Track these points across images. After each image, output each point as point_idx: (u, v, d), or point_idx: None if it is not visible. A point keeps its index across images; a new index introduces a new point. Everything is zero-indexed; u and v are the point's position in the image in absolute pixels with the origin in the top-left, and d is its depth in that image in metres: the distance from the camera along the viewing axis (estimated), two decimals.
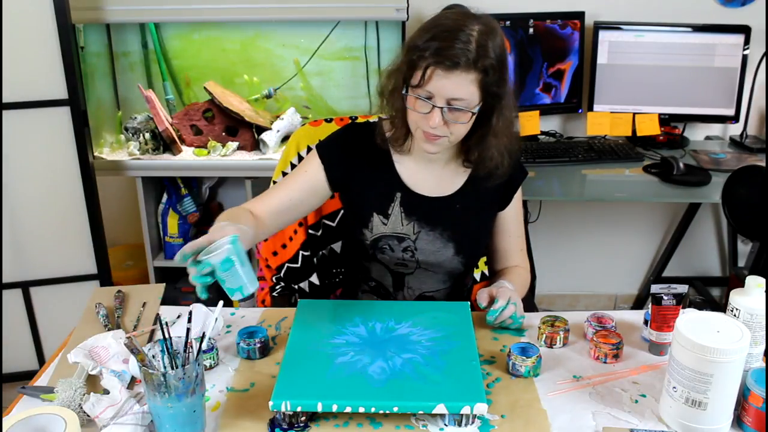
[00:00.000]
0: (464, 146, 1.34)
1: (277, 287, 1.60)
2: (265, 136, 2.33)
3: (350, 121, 1.59)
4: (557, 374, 1.16)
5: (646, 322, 1.24)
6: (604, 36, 2.42)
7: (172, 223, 2.45)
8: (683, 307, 1.20)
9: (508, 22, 2.31)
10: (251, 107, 2.46)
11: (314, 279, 1.62)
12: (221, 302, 1.11)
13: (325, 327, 1.20)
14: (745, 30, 2.39)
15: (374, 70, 2.47)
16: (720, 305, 2.53)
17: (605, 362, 1.19)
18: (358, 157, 1.36)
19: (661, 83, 2.45)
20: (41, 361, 2.31)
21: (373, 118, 1.55)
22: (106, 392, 1.04)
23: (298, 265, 1.59)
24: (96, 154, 2.31)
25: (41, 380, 1.15)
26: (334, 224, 1.62)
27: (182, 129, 2.39)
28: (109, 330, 1.24)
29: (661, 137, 2.46)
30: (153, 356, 0.98)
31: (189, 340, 0.99)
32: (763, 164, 2.16)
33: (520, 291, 1.39)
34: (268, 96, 2.49)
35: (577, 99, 2.50)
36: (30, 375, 1.80)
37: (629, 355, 1.22)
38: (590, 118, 2.45)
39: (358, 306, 1.28)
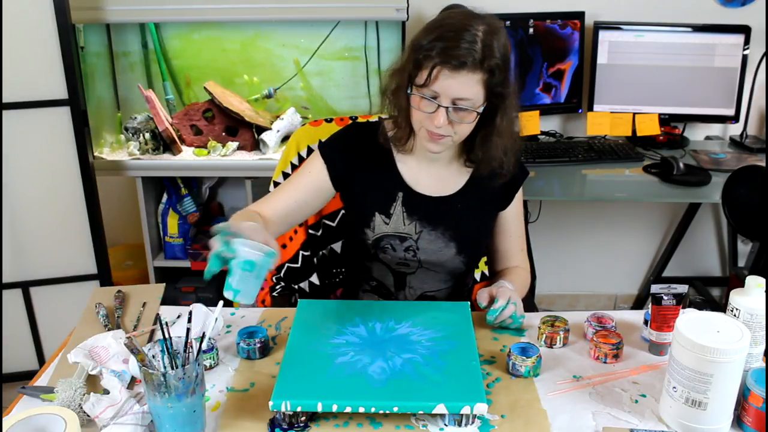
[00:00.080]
0: (466, 146, 1.34)
1: (277, 287, 1.60)
2: (265, 136, 2.33)
3: (350, 121, 1.59)
4: (557, 374, 1.16)
5: (646, 322, 1.24)
6: (604, 36, 2.42)
7: (172, 223, 2.45)
8: (683, 307, 1.20)
9: (508, 22, 2.31)
10: (251, 107, 2.46)
11: (314, 279, 1.62)
12: (221, 302, 1.11)
13: (325, 327, 1.20)
14: (745, 30, 2.39)
15: (374, 70, 2.47)
16: (720, 305, 2.53)
17: (605, 362, 1.19)
18: (360, 156, 1.36)
19: (661, 83, 2.45)
20: (41, 361, 2.31)
21: (373, 118, 1.55)
22: (106, 392, 1.04)
23: (298, 265, 1.59)
24: (96, 154, 2.31)
25: (41, 380, 1.15)
26: (334, 224, 1.62)
27: (182, 129, 2.39)
28: (109, 330, 1.24)
29: (661, 137, 2.46)
30: (153, 356, 0.98)
31: (189, 340, 0.99)
32: (763, 164, 2.16)
33: (520, 291, 1.39)
34: (268, 96, 2.49)
35: (577, 99, 2.50)
36: (30, 375, 1.80)
37: (629, 355, 1.22)
38: (590, 118, 2.45)
39: (358, 306, 1.28)
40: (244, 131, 2.37)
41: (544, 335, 1.25)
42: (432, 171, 1.37)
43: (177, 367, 0.98)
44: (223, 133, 2.39)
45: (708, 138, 2.63)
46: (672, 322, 1.18)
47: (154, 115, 2.31)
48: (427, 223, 1.36)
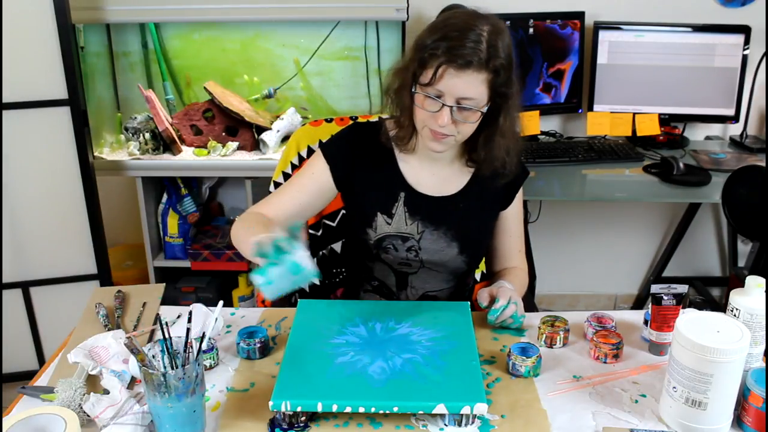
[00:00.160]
0: (468, 146, 1.34)
1: None
2: (265, 136, 2.33)
3: (350, 121, 1.59)
4: (557, 374, 1.16)
5: (646, 322, 1.24)
6: (604, 36, 2.42)
7: (172, 223, 2.45)
8: (683, 307, 1.20)
9: (508, 22, 2.31)
10: (251, 107, 2.46)
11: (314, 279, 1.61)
12: (221, 302, 1.11)
13: (325, 327, 1.20)
14: (745, 30, 2.39)
15: (374, 70, 2.47)
16: (720, 305, 2.53)
17: (605, 362, 1.19)
18: (362, 156, 1.37)
19: (661, 83, 2.45)
20: (41, 361, 2.31)
21: (374, 118, 1.55)
22: (106, 392, 1.04)
23: None
24: (96, 154, 2.31)
25: (41, 380, 1.15)
26: (334, 224, 1.62)
27: (182, 129, 2.39)
28: (109, 330, 1.24)
29: (661, 137, 2.46)
30: (153, 356, 0.98)
31: (189, 340, 0.99)
32: (763, 164, 2.16)
33: (519, 292, 1.39)
34: (268, 96, 2.49)
35: (577, 99, 2.50)
36: (30, 375, 1.79)
37: (629, 355, 1.22)
38: (590, 118, 2.45)
39: (358, 306, 1.28)
40: (244, 131, 2.37)
41: (544, 335, 1.25)
42: (434, 171, 1.37)
43: (177, 367, 0.98)
44: (223, 133, 2.39)
45: (708, 138, 2.63)
46: (672, 322, 1.18)
47: (154, 115, 2.31)
48: (429, 222, 1.36)
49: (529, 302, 1.63)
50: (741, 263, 2.69)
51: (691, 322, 1.00)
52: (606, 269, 2.90)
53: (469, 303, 1.28)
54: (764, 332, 1.06)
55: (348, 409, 1.00)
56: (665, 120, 2.47)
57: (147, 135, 2.32)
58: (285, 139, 2.36)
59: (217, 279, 2.51)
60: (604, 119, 2.44)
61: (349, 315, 1.23)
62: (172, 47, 2.48)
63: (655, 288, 1.22)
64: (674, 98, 2.47)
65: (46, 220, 2.16)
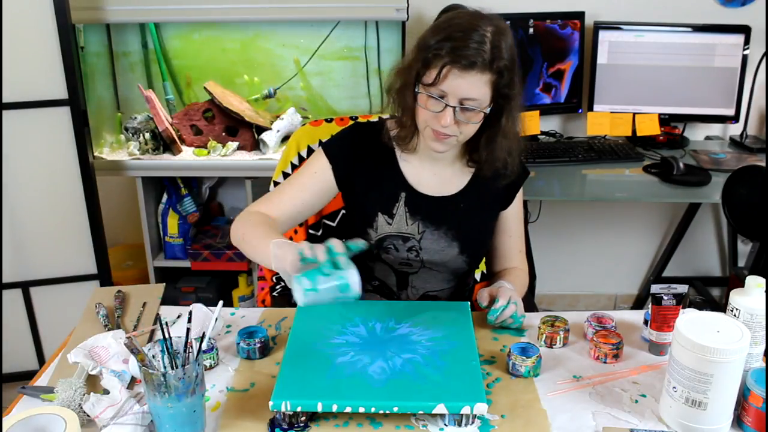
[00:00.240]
0: (469, 146, 1.34)
1: (277, 287, 1.60)
2: (265, 136, 2.33)
3: (350, 121, 1.59)
4: (557, 374, 1.16)
5: (646, 322, 1.24)
6: (604, 36, 2.42)
7: (172, 223, 2.45)
8: (683, 307, 1.20)
9: (508, 22, 2.29)
10: (251, 107, 2.46)
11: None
12: (221, 302, 1.11)
13: (325, 327, 1.20)
14: (745, 30, 2.39)
15: (374, 70, 2.47)
16: (720, 305, 2.53)
17: (605, 362, 1.19)
18: (364, 156, 1.37)
19: (661, 83, 2.45)
20: (41, 361, 2.31)
21: (374, 118, 1.55)
22: (106, 392, 1.04)
23: None
24: (96, 154, 2.31)
25: (41, 380, 1.15)
26: (334, 224, 1.62)
27: (182, 129, 2.39)
28: (109, 330, 1.24)
29: (661, 137, 2.46)
30: (153, 356, 0.98)
31: (189, 340, 0.99)
32: (763, 164, 2.16)
33: (519, 292, 1.39)
34: (268, 96, 2.49)
35: (577, 99, 2.50)
36: (30, 375, 1.80)
37: (629, 355, 1.22)
38: (590, 118, 2.45)
39: (358, 306, 1.28)
40: (244, 131, 2.37)
41: (544, 335, 1.25)
42: (435, 171, 1.37)
43: (177, 367, 0.98)
44: (223, 133, 2.39)
45: (708, 138, 2.63)
46: (672, 322, 1.18)
47: (154, 115, 2.31)
48: (430, 223, 1.37)
49: (529, 302, 1.63)
50: (741, 263, 2.69)
51: (691, 322, 1.00)
52: (606, 269, 2.90)
53: (469, 303, 1.28)
54: (764, 332, 1.06)
55: (348, 409, 1.00)
56: (665, 120, 2.47)
57: (147, 135, 2.32)
58: (285, 139, 2.36)
59: (217, 279, 2.51)
60: (604, 119, 2.44)
61: (349, 315, 1.23)
62: (172, 47, 2.48)
63: (655, 288, 1.22)
64: (674, 98, 2.47)
65: (46, 220, 2.16)
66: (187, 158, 2.33)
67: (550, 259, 2.81)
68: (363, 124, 1.42)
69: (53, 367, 1.17)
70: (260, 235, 1.18)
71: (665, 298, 1.20)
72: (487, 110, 1.23)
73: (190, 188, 2.49)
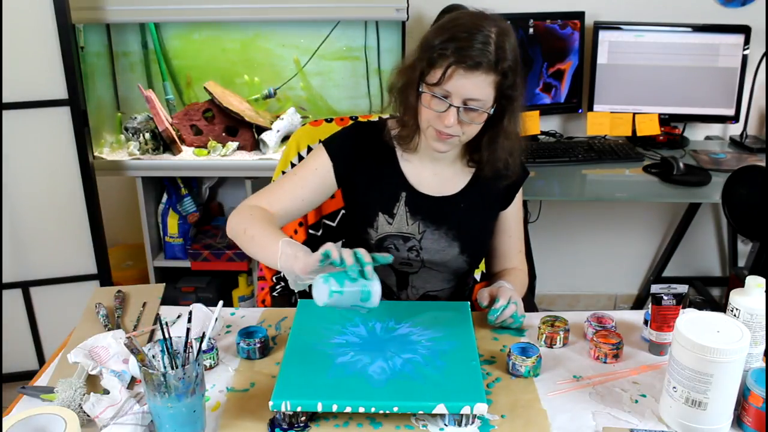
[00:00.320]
0: (470, 146, 1.34)
1: (277, 287, 1.60)
2: (265, 136, 2.33)
3: (350, 121, 1.59)
4: (557, 374, 1.16)
5: (646, 322, 1.24)
6: (604, 36, 2.42)
7: (172, 223, 2.45)
8: (683, 307, 1.20)
9: (508, 22, 2.31)
10: (251, 107, 2.46)
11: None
12: (221, 302, 1.11)
13: (325, 327, 1.20)
14: (745, 30, 2.39)
15: (374, 70, 2.47)
16: (720, 305, 2.53)
17: (605, 362, 1.19)
18: (365, 155, 1.36)
19: (661, 83, 2.45)
20: (41, 361, 2.31)
21: (374, 118, 1.55)
22: (106, 392, 1.04)
23: None
24: (96, 154, 2.31)
25: (41, 380, 1.15)
26: (334, 224, 1.62)
27: (182, 129, 2.39)
28: (109, 330, 1.24)
29: (661, 137, 2.46)
30: (153, 356, 0.98)
31: (189, 340, 0.99)
32: (763, 164, 2.16)
33: (518, 292, 1.39)
34: (269, 96, 2.49)
35: (577, 99, 2.50)
36: (30, 375, 1.79)
37: (629, 355, 1.22)
38: (590, 118, 2.45)
39: None
40: (244, 131, 2.37)
41: (544, 335, 1.25)
42: (435, 170, 1.37)
43: (177, 367, 0.98)
44: (223, 133, 2.39)
45: (708, 138, 2.63)
46: (672, 322, 1.18)
47: (154, 115, 2.31)
48: (430, 222, 1.37)
49: (529, 302, 1.63)
50: (741, 263, 2.69)
51: (691, 322, 1.00)
52: (606, 269, 2.90)
53: (469, 303, 1.28)
54: (764, 332, 1.06)
55: (348, 409, 1.00)
56: (665, 120, 2.47)
57: (147, 135, 2.32)
58: (285, 139, 2.36)
59: (217, 279, 2.51)
60: (604, 119, 2.44)
61: (349, 315, 1.23)
62: (172, 47, 2.48)
63: (655, 288, 1.22)
64: (674, 98, 2.47)
65: (46, 220, 2.16)
66: (187, 158, 2.33)
67: (550, 259, 2.81)
68: (364, 123, 1.42)
69: (53, 367, 1.17)
70: (266, 233, 1.18)
71: (665, 298, 1.20)
72: (491, 111, 1.23)
73: (190, 188, 2.49)
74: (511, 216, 1.46)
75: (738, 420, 1.03)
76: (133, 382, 1.12)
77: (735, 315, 1.07)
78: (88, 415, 1.00)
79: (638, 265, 2.91)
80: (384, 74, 2.45)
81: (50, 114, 2.06)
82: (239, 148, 2.37)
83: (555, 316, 1.29)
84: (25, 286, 2.21)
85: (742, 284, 1.09)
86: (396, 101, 1.31)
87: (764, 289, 1.06)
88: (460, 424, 1.02)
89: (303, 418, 1.02)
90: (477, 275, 1.59)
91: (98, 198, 2.18)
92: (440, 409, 1.00)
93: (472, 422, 1.02)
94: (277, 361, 1.17)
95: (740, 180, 1.92)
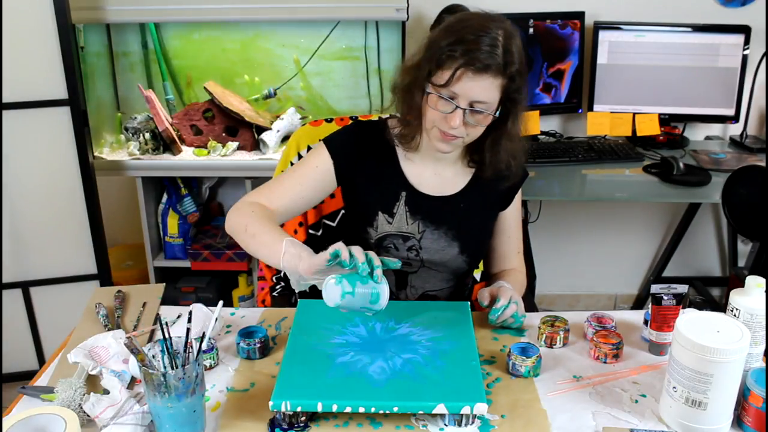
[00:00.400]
0: (471, 147, 1.34)
1: (277, 287, 1.60)
2: (265, 136, 2.33)
3: (350, 121, 1.59)
4: (557, 374, 1.16)
5: (646, 322, 1.24)
6: (604, 36, 2.42)
7: (172, 223, 2.45)
8: (683, 307, 1.20)
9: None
10: (251, 107, 2.46)
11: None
12: (221, 302, 1.11)
13: (325, 327, 1.20)
14: (745, 30, 2.39)
15: (374, 70, 2.47)
16: (720, 305, 2.53)
17: (605, 362, 1.19)
18: (366, 154, 1.36)
19: (661, 83, 2.45)
20: (41, 361, 2.31)
21: (374, 118, 1.55)
22: (106, 392, 1.04)
23: None
24: (96, 154, 2.31)
25: (41, 380, 1.15)
26: (334, 224, 1.62)
27: (182, 129, 2.39)
28: (109, 330, 1.24)
29: (661, 137, 2.46)
30: (153, 356, 0.98)
31: (189, 340, 0.99)
32: (763, 164, 2.16)
33: (517, 293, 1.39)
34: (269, 96, 2.49)
35: (577, 99, 2.50)
36: (30, 375, 1.79)
37: (629, 355, 1.22)
38: (590, 118, 2.45)
39: None
40: (244, 131, 2.37)
41: (544, 335, 1.25)
42: (436, 170, 1.37)
43: (177, 367, 0.98)
44: (223, 133, 2.39)
45: (708, 138, 2.63)
46: (672, 322, 1.18)
47: (154, 115, 2.31)
48: (430, 222, 1.37)
49: (529, 302, 1.63)
50: (741, 263, 2.69)
51: (691, 322, 1.00)
52: (606, 269, 2.90)
53: (469, 303, 1.28)
54: (764, 332, 1.06)
55: (348, 409, 1.00)
56: (665, 120, 2.47)
57: (147, 135, 2.32)
58: (285, 139, 2.37)
59: (217, 279, 2.51)
60: (604, 119, 2.44)
61: (349, 315, 1.23)
62: (172, 47, 2.48)
63: (655, 288, 1.22)
64: (674, 98, 2.47)
65: (46, 220, 2.16)
66: (187, 158, 2.33)
67: (550, 259, 2.81)
68: (365, 122, 1.42)
69: (53, 367, 1.17)
70: (268, 231, 1.18)
71: (665, 298, 1.20)
72: (497, 114, 1.23)
73: (190, 188, 2.49)
74: (511, 217, 1.46)
75: (738, 420, 1.03)
76: (133, 382, 1.12)
77: (735, 315, 1.07)
78: (88, 415, 1.00)
79: (638, 265, 2.91)
80: (384, 74, 2.45)
81: (50, 114, 2.06)
82: (239, 148, 2.37)
83: (555, 316, 1.29)
84: (25, 286, 2.21)
85: (742, 284, 1.09)
86: (399, 100, 1.31)
87: (764, 289, 1.06)
88: (460, 424, 1.01)
89: (303, 418, 1.02)
90: (477, 275, 1.59)
91: (98, 198, 2.18)
92: (440, 409, 1.00)
93: (472, 422, 1.02)
94: (277, 361, 1.17)
95: (740, 180, 1.92)
